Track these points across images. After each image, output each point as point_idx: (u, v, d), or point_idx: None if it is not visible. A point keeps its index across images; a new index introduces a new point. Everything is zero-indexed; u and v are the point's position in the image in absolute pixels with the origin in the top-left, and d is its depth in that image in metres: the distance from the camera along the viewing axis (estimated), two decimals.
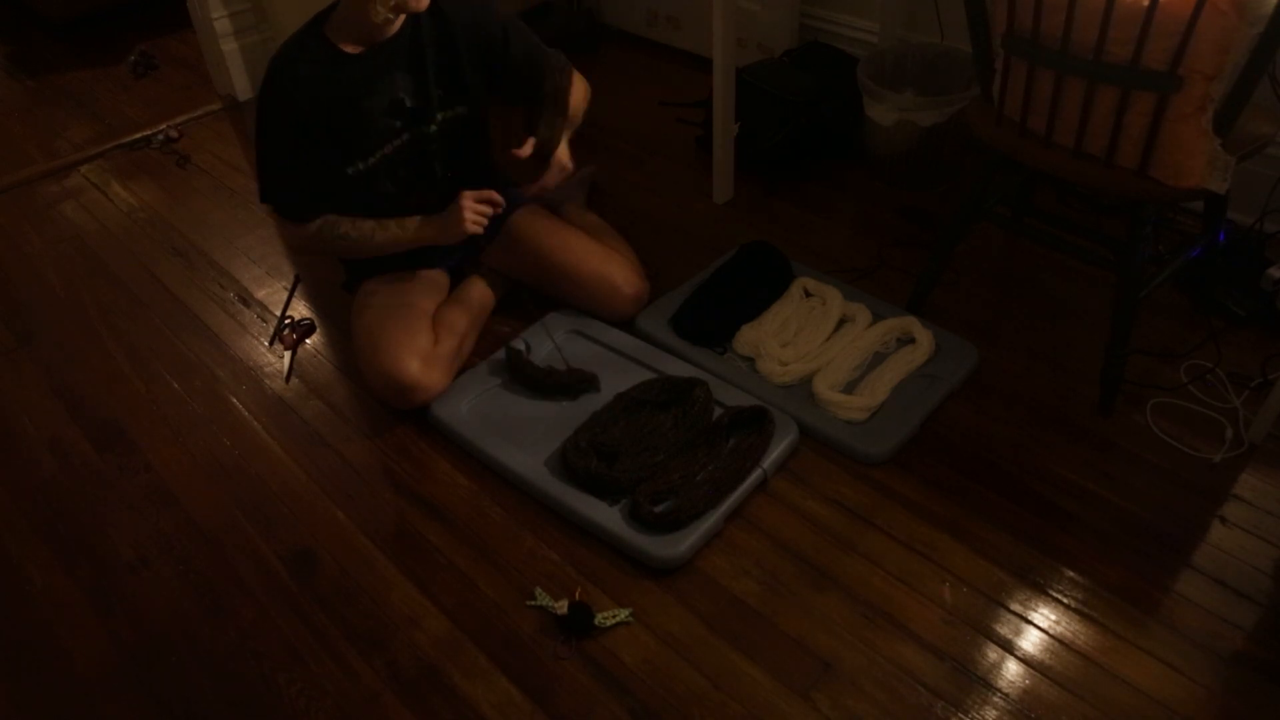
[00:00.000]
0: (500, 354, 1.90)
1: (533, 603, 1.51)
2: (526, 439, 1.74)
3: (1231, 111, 1.41)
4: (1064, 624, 1.43)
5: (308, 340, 2.07)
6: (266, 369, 2.00)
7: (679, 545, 1.53)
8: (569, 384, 1.81)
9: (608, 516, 1.59)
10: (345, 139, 1.75)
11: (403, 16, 1.70)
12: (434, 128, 1.82)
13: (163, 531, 1.67)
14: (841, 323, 1.93)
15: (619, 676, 1.40)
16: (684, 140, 2.63)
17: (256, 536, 1.65)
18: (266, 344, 2.07)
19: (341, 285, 2.03)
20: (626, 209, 2.37)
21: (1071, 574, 1.49)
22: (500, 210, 1.85)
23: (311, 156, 1.74)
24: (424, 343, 1.82)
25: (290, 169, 1.76)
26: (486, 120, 1.94)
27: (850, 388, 1.79)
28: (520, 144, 1.82)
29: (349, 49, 1.69)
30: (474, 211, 1.80)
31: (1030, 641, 1.41)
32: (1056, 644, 1.40)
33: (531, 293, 2.06)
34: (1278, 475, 1.62)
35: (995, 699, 1.34)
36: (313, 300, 2.18)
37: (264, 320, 2.13)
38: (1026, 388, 1.81)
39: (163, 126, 2.87)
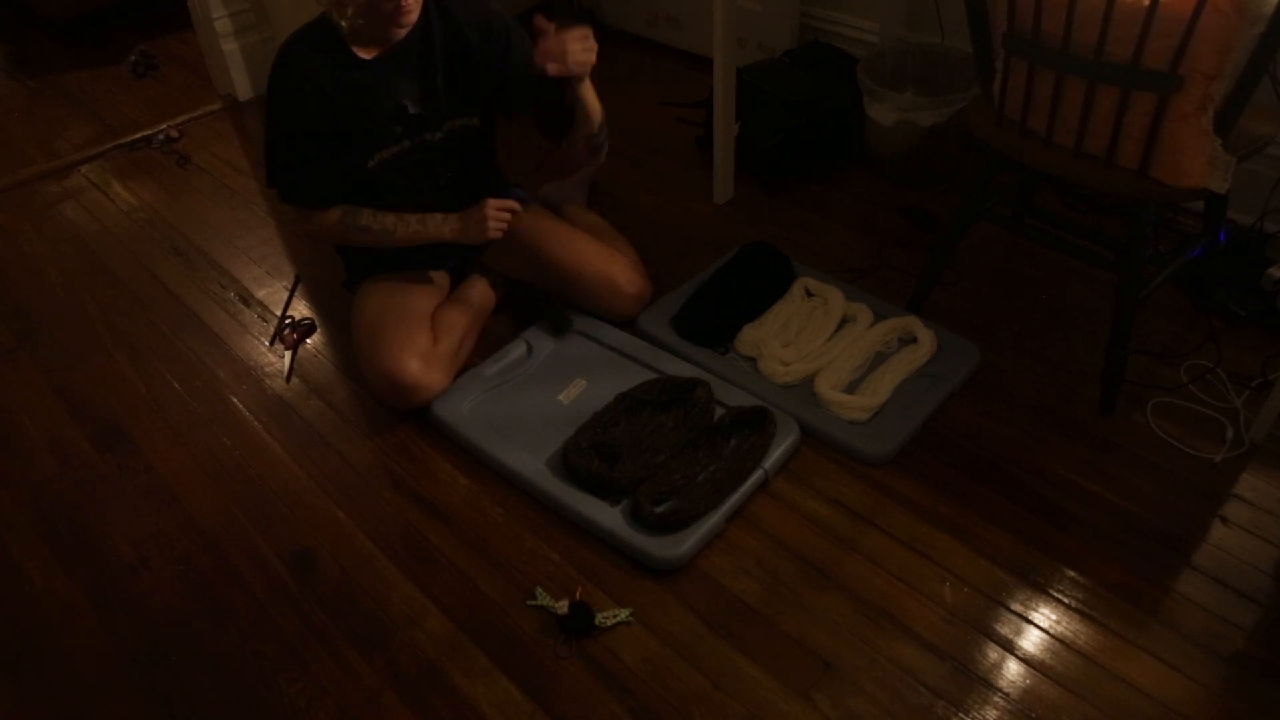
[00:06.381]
0: (506, 349, 1.91)
1: (533, 602, 1.51)
2: (527, 439, 1.74)
3: (1232, 111, 1.41)
4: (1064, 624, 1.43)
5: (308, 340, 2.07)
6: (267, 369, 2.00)
7: (680, 546, 1.53)
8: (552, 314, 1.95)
9: (609, 517, 1.59)
10: (346, 138, 1.75)
11: (413, 21, 1.69)
12: (439, 135, 1.82)
13: (163, 531, 1.67)
14: (843, 322, 1.93)
15: (619, 676, 1.40)
16: (684, 140, 2.63)
17: (256, 536, 1.65)
18: (267, 344, 2.07)
19: (341, 285, 2.03)
20: (626, 209, 2.37)
21: (1072, 574, 1.49)
22: (518, 217, 1.87)
23: (321, 146, 1.74)
24: (424, 342, 1.82)
25: (301, 157, 1.75)
26: (493, 129, 1.94)
27: (852, 388, 1.79)
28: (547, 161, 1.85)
29: (361, 51, 1.69)
30: (496, 219, 1.82)
31: (1030, 641, 1.41)
32: (1057, 644, 1.40)
33: (538, 292, 2.05)
34: (1278, 475, 1.62)
35: (996, 699, 1.34)
36: (313, 300, 2.18)
37: (264, 320, 2.13)
38: (1027, 388, 1.81)
39: (163, 126, 2.87)
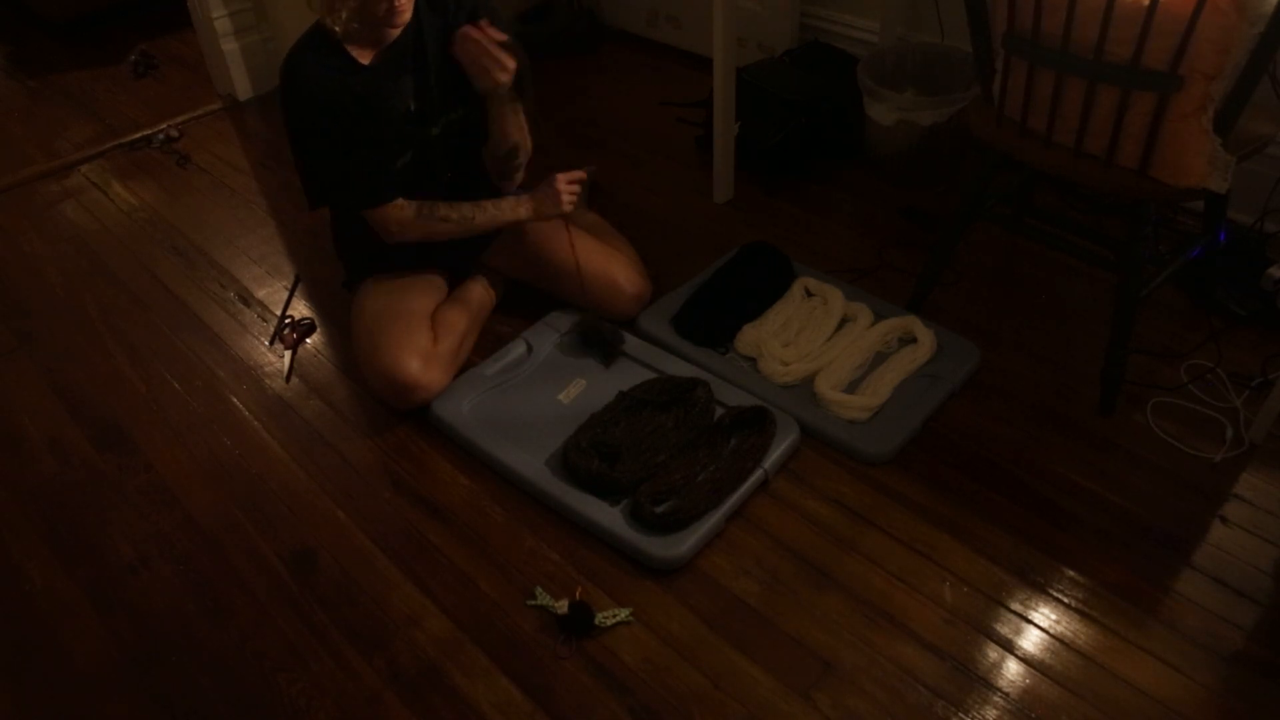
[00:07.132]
0: (505, 350, 1.91)
1: (533, 602, 1.51)
2: (527, 439, 1.74)
3: (1232, 111, 1.41)
4: (1064, 623, 1.43)
5: (308, 340, 2.07)
6: (267, 369, 2.00)
7: (680, 546, 1.53)
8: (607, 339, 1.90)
9: (609, 517, 1.59)
10: (364, 146, 1.74)
11: (406, 19, 1.69)
12: (436, 131, 1.82)
13: (163, 531, 1.67)
14: (843, 322, 1.93)
15: (619, 676, 1.40)
16: (684, 140, 2.63)
17: (256, 536, 1.65)
18: (267, 344, 2.07)
19: (342, 284, 2.03)
20: (626, 209, 2.37)
21: (1071, 574, 1.49)
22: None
23: (354, 146, 1.72)
24: (424, 342, 1.82)
25: (343, 160, 1.73)
26: (483, 121, 1.93)
27: (852, 387, 1.79)
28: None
29: (359, 56, 1.69)
30: (569, 191, 1.89)
31: (1030, 641, 1.41)
32: (1056, 643, 1.40)
33: (535, 292, 2.05)
34: (1278, 475, 1.62)
35: (995, 698, 1.34)
36: (313, 300, 2.18)
37: (264, 320, 2.13)
38: (1027, 388, 1.81)
39: (163, 126, 2.87)
